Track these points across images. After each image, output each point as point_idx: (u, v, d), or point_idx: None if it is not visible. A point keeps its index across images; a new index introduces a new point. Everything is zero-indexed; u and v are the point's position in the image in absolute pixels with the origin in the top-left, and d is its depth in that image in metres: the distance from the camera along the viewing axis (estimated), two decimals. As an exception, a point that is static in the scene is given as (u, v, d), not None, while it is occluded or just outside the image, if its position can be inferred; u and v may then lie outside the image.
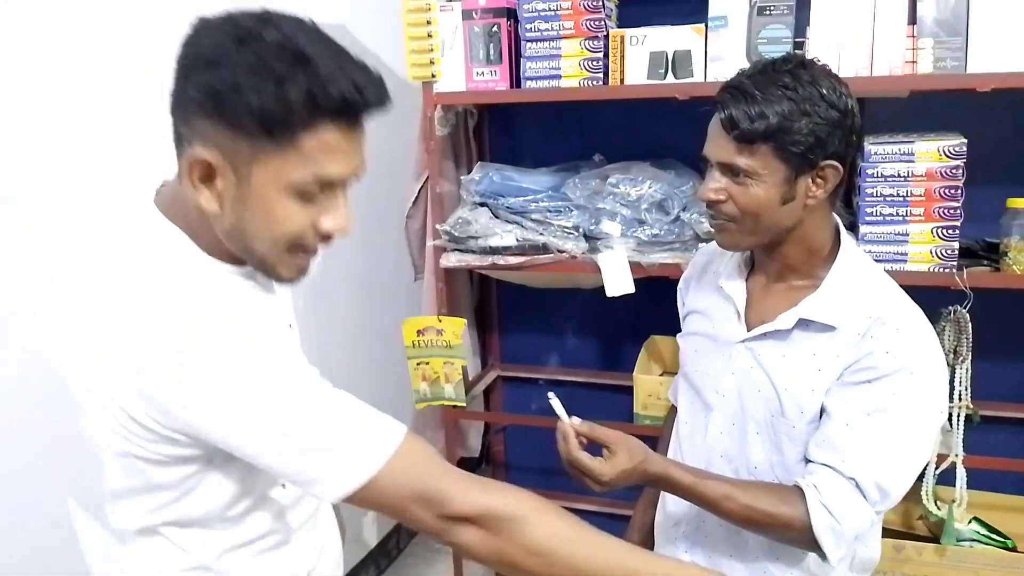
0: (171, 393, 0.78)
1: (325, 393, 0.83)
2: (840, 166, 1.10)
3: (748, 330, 1.21)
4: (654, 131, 2.07)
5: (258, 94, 0.73)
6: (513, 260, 1.92)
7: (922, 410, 1.09)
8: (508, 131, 2.26)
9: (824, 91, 1.07)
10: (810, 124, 1.06)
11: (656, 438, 1.50)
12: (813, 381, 1.13)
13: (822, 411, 1.13)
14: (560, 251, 1.88)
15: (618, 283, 1.82)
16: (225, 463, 0.88)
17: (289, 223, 0.80)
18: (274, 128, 0.75)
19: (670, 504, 1.31)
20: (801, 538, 1.10)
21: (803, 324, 1.14)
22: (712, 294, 1.29)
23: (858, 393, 1.09)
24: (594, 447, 1.13)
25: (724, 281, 1.25)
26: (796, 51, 1.22)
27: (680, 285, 1.42)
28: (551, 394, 1.18)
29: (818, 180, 1.10)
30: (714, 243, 1.38)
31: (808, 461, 1.13)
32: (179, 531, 0.92)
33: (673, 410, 1.50)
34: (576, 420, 1.14)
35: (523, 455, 2.48)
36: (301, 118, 0.75)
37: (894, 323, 1.10)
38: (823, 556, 1.10)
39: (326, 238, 0.84)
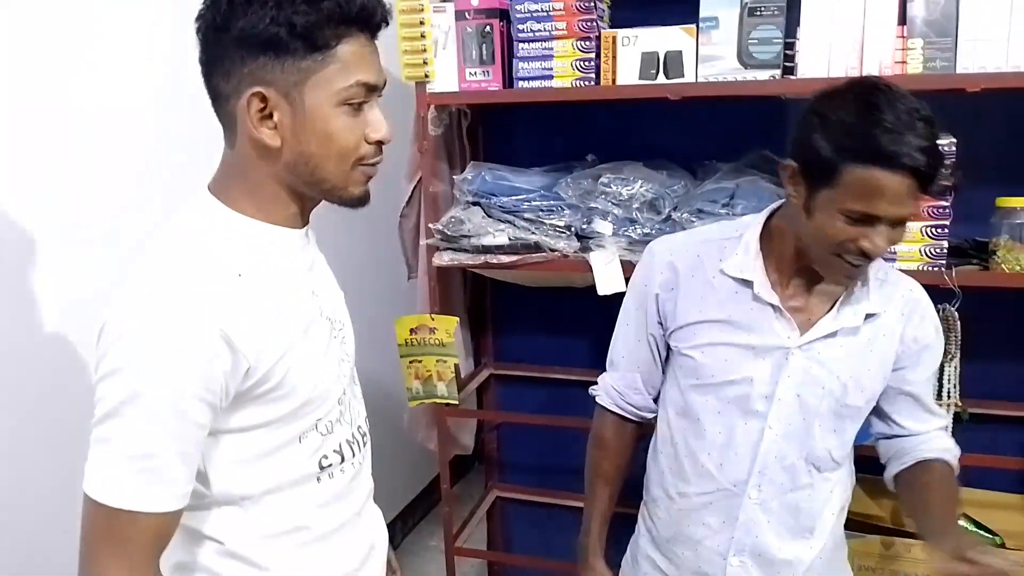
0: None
1: (178, 423, 0.83)
2: None
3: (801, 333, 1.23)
4: (646, 131, 2.08)
5: (297, 15, 0.84)
6: (506, 259, 1.92)
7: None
8: (501, 131, 2.27)
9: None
10: None
11: (647, 436, 1.48)
12: (872, 364, 1.25)
13: (882, 392, 1.29)
14: (552, 250, 1.89)
15: (609, 282, 1.83)
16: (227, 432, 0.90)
17: (346, 135, 0.90)
18: (317, 41, 0.85)
19: (694, 528, 1.33)
20: None
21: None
22: (732, 302, 1.25)
23: (924, 363, 1.29)
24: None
25: (760, 289, 1.23)
26: (880, 80, 1.16)
27: (658, 292, 1.31)
28: None
29: None
30: (677, 243, 1.34)
31: (900, 436, 1.32)
32: (206, 513, 0.92)
33: (618, 422, 1.50)
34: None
35: (516, 453, 2.49)
36: (336, 29, 0.86)
37: (921, 297, 1.29)
38: None
39: (379, 146, 0.94)
